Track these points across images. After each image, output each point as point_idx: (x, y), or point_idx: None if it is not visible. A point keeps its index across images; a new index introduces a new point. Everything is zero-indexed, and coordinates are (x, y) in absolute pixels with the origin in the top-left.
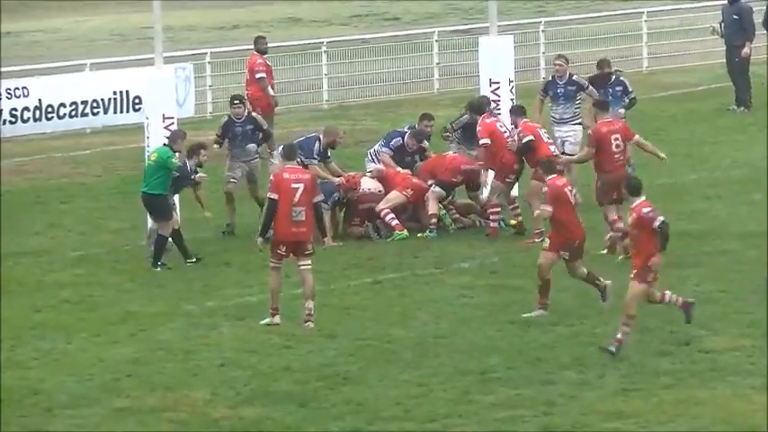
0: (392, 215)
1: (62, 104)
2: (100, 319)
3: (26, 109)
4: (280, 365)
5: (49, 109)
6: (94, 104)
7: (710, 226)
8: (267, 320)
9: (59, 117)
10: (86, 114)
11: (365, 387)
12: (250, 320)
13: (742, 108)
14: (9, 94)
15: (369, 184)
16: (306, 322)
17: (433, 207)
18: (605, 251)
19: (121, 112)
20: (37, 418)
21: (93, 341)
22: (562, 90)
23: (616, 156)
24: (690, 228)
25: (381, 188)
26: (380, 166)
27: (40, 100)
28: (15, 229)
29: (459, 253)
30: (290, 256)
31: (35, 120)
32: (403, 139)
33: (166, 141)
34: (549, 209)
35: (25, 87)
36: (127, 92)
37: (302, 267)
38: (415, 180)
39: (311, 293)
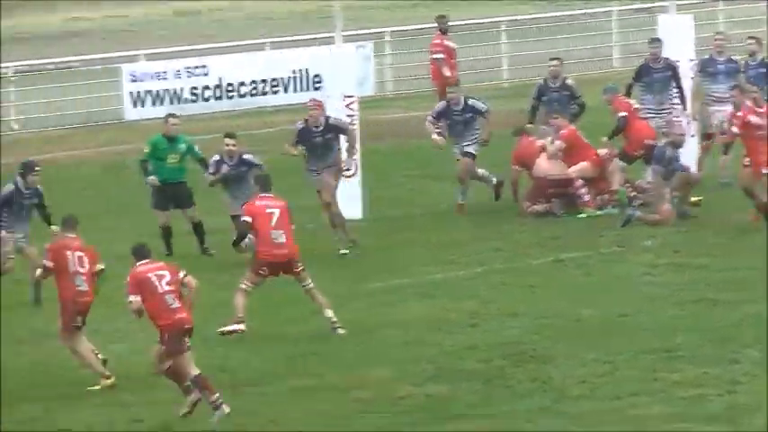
0: (585, 188)
1: (242, 83)
2: (285, 296)
3: (206, 87)
4: (465, 343)
5: (230, 87)
6: (274, 83)
7: None
8: (231, 328)
9: (240, 95)
10: (266, 93)
11: (550, 365)
12: (434, 298)
13: None
14: (189, 72)
15: (549, 168)
16: (336, 330)
17: (617, 181)
18: None
19: (301, 90)
20: (223, 395)
21: (277, 319)
22: (723, 67)
23: None
24: None
25: (562, 168)
26: (559, 143)
27: (220, 78)
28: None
29: (642, 231)
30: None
31: (215, 98)
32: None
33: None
34: None
35: (205, 66)
36: (307, 70)
37: (305, 288)
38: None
39: (326, 303)
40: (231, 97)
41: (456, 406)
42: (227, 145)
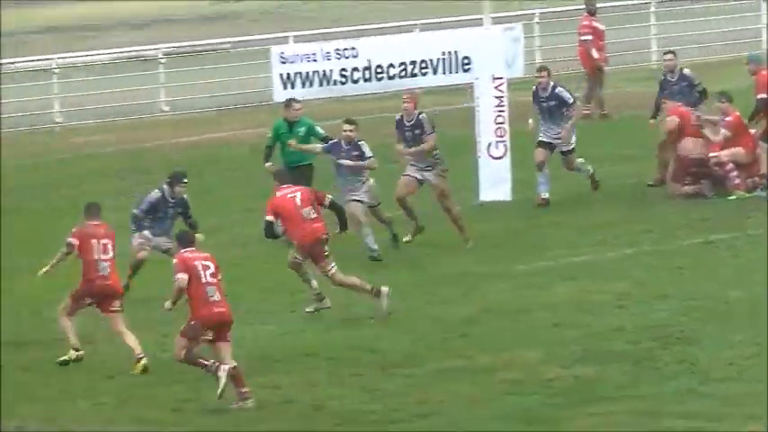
0: (736, 172)
1: (391, 65)
2: (433, 278)
3: (355, 69)
4: (613, 325)
5: (379, 69)
6: (423, 65)
7: None
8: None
9: (389, 77)
10: (415, 75)
11: (698, 347)
12: (582, 280)
13: None
14: (339, 54)
15: (692, 147)
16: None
17: (765, 165)
18: None
19: (450, 72)
20: (373, 376)
21: (426, 300)
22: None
23: None
24: None
25: (705, 148)
26: (725, 132)
27: (369, 60)
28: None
29: None
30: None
31: (365, 80)
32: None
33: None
34: None
35: (354, 48)
36: (456, 52)
37: (330, 272)
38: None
39: (357, 281)
40: (380, 79)
41: (604, 387)
42: (345, 130)
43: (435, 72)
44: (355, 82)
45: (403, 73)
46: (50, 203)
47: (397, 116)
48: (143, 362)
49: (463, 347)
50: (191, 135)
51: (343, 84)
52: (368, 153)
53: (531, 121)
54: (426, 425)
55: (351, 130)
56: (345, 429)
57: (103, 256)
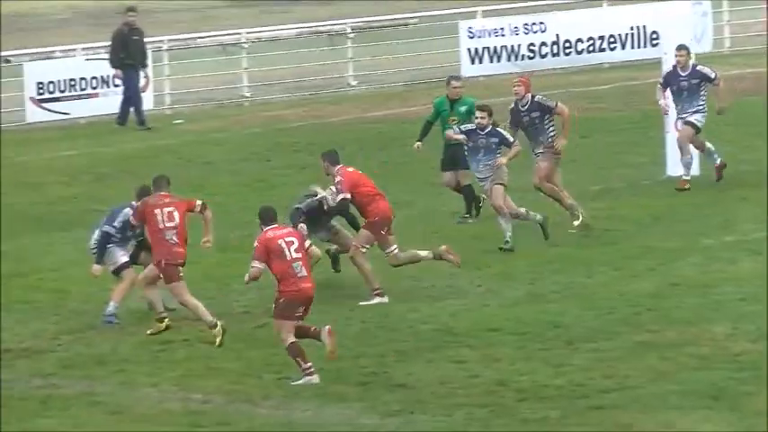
0: None
1: (579, 40)
2: (619, 253)
3: (543, 44)
4: None
5: (567, 44)
6: (611, 39)
7: None
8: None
9: (577, 52)
10: (603, 49)
11: None
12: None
13: None
14: (527, 29)
15: None
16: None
17: None
18: None
19: (638, 47)
20: (558, 351)
21: (612, 275)
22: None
23: None
24: None
25: None
26: None
27: (557, 35)
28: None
29: None
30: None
31: (552, 55)
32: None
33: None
34: None
35: (542, 23)
36: (644, 27)
37: (391, 253)
38: None
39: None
40: (568, 54)
41: None
42: (477, 117)
43: (623, 47)
44: (543, 57)
45: (591, 48)
46: (237, 179)
47: (512, 104)
48: (218, 327)
49: (650, 322)
50: (377, 110)
51: (530, 58)
52: (509, 138)
53: (661, 101)
54: (612, 400)
55: (482, 117)
56: (530, 404)
57: (169, 224)
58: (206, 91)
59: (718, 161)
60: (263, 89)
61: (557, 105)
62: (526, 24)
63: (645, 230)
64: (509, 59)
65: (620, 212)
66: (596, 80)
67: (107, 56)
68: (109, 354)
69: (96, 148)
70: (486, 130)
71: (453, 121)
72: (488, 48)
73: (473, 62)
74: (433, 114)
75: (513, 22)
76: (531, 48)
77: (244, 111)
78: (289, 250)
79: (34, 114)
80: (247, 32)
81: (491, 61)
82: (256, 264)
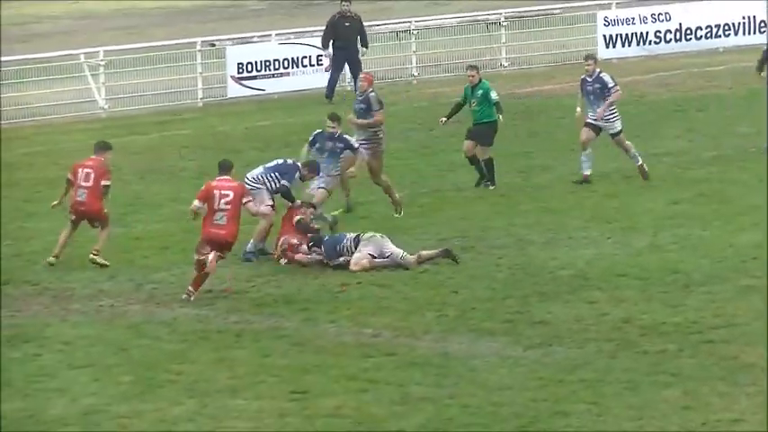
0: None
1: (699, 27)
2: (730, 210)
3: (668, 31)
4: None
5: (688, 31)
6: (726, 27)
7: None
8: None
9: (697, 38)
10: (719, 36)
11: None
12: None
13: None
14: (654, 18)
15: None
16: None
17: None
18: None
19: (750, 34)
20: (676, 293)
21: (724, 229)
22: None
23: None
24: None
25: None
26: None
27: (680, 23)
28: (658, 133)
29: None
30: None
31: (676, 40)
32: None
33: None
34: None
35: (667, 13)
36: (754, 16)
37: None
38: None
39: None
40: (689, 39)
41: None
42: (328, 126)
43: (736, 34)
44: (667, 42)
45: (709, 34)
46: (406, 145)
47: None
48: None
49: (755, 269)
50: (525, 87)
51: (656, 44)
52: (355, 145)
53: (578, 108)
54: (721, 335)
55: (332, 127)
56: (650, 339)
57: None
58: (381, 71)
59: (639, 161)
60: (428, 69)
61: (380, 108)
62: (653, 14)
63: (751, 191)
64: (638, 44)
65: (731, 176)
66: (712, 62)
67: (297, 40)
68: (294, 294)
69: (287, 119)
70: (336, 136)
71: (473, 103)
72: (621, 34)
73: (608, 46)
74: (463, 97)
75: (643, 12)
76: (658, 34)
77: (412, 87)
78: (219, 201)
79: (234, 90)
80: (416, 21)
81: (623, 46)
82: (196, 202)
